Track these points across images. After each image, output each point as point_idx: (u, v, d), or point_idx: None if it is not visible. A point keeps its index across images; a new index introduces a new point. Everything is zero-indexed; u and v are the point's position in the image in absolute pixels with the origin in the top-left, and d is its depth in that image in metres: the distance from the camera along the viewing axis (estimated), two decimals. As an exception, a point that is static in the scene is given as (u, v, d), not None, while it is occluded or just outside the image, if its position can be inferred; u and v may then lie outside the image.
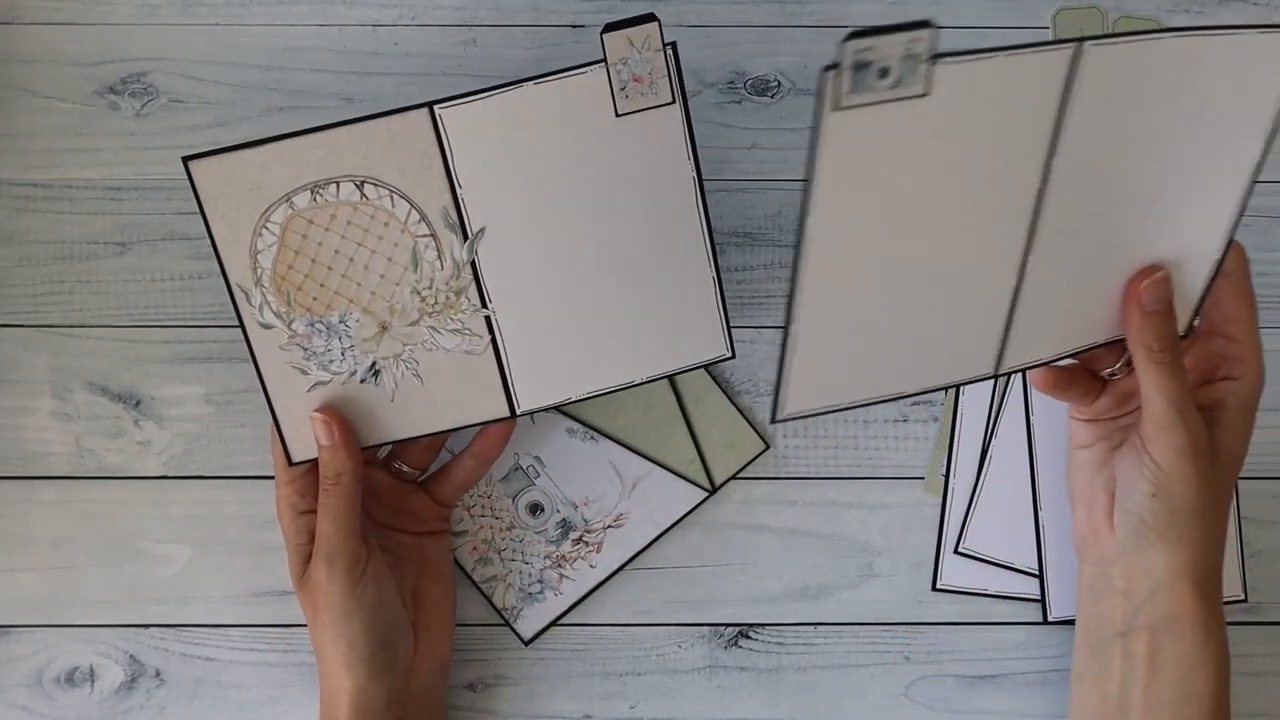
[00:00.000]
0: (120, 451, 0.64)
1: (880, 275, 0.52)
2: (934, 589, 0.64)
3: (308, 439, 0.57)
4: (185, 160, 0.53)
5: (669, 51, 0.54)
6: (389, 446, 0.62)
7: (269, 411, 0.57)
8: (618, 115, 0.55)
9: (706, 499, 0.64)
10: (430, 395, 0.58)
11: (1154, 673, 0.56)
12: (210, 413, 0.64)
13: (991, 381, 0.64)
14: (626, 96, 0.55)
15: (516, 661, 0.64)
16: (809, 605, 0.64)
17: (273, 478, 0.64)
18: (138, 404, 0.64)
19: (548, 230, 0.56)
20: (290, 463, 0.58)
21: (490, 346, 0.57)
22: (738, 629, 0.64)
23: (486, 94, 0.54)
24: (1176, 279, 0.54)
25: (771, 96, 0.66)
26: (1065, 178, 0.51)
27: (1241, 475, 0.63)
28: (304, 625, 0.63)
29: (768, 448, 0.64)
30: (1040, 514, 0.64)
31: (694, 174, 0.56)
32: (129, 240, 0.65)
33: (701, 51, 0.65)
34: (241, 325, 0.56)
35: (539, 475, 0.64)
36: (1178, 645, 0.55)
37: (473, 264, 0.55)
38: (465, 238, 0.55)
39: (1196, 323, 0.56)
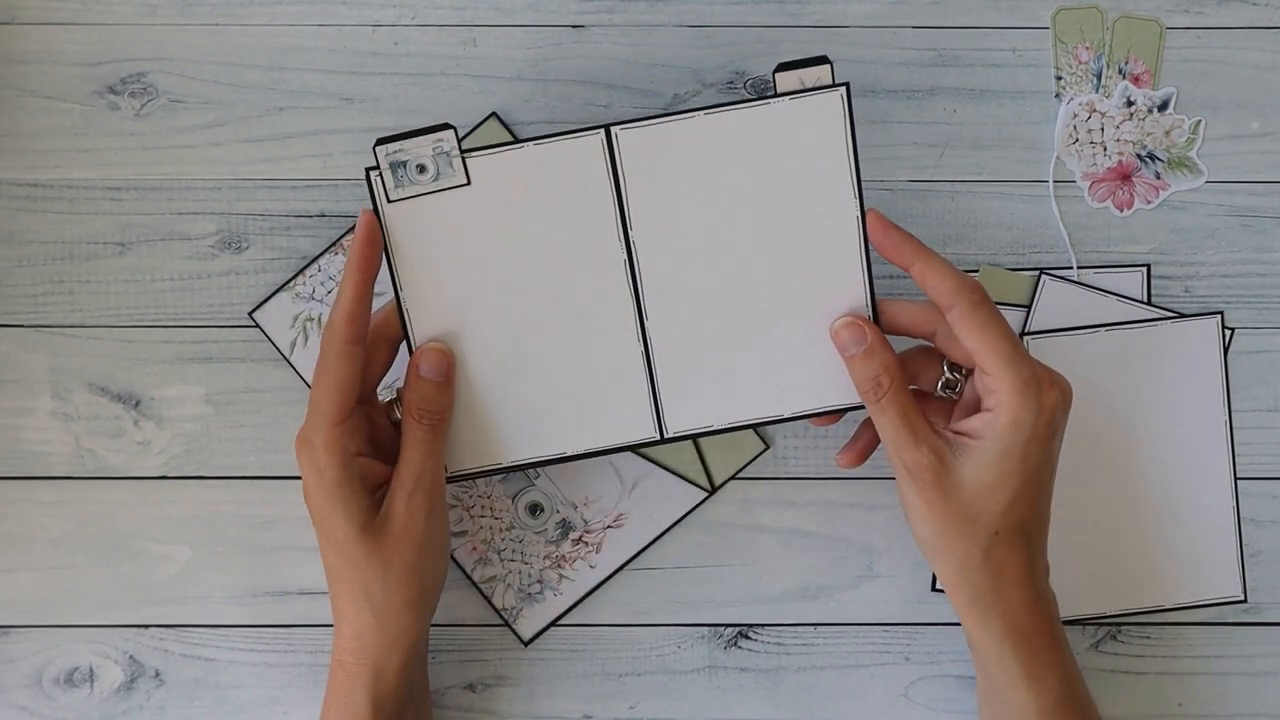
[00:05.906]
0: (120, 452, 0.64)
1: (498, 345, 0.57)
2: (934, 589, 0.64)
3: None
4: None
5: (843, 92, 0.56)
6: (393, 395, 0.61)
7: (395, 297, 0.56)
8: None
9: (706, 499, 0.64)
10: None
11: (987, 696, 0.59)
12: (210, 413, 0.64)
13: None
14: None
15: (516, 662, 0.64)
16: (809, 606, 0.64)
17: (272, 478, 0.64)
18: (137, 404, 0.64)
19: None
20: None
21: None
22: (737, 629, 0.64)
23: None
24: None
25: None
26: (654, 248, 0.56)
27: (1241, 475, 0.64)
28: (303, 626, 0.63)
29: (767, 448, 0.64)
30: (1040, 514, 0.64)
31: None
32: (129, 240, 0.65)
33: (701, 51, 0.65)
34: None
35: (538, 475, 0.64)
36: (983, 668, 0.57)
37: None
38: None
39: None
